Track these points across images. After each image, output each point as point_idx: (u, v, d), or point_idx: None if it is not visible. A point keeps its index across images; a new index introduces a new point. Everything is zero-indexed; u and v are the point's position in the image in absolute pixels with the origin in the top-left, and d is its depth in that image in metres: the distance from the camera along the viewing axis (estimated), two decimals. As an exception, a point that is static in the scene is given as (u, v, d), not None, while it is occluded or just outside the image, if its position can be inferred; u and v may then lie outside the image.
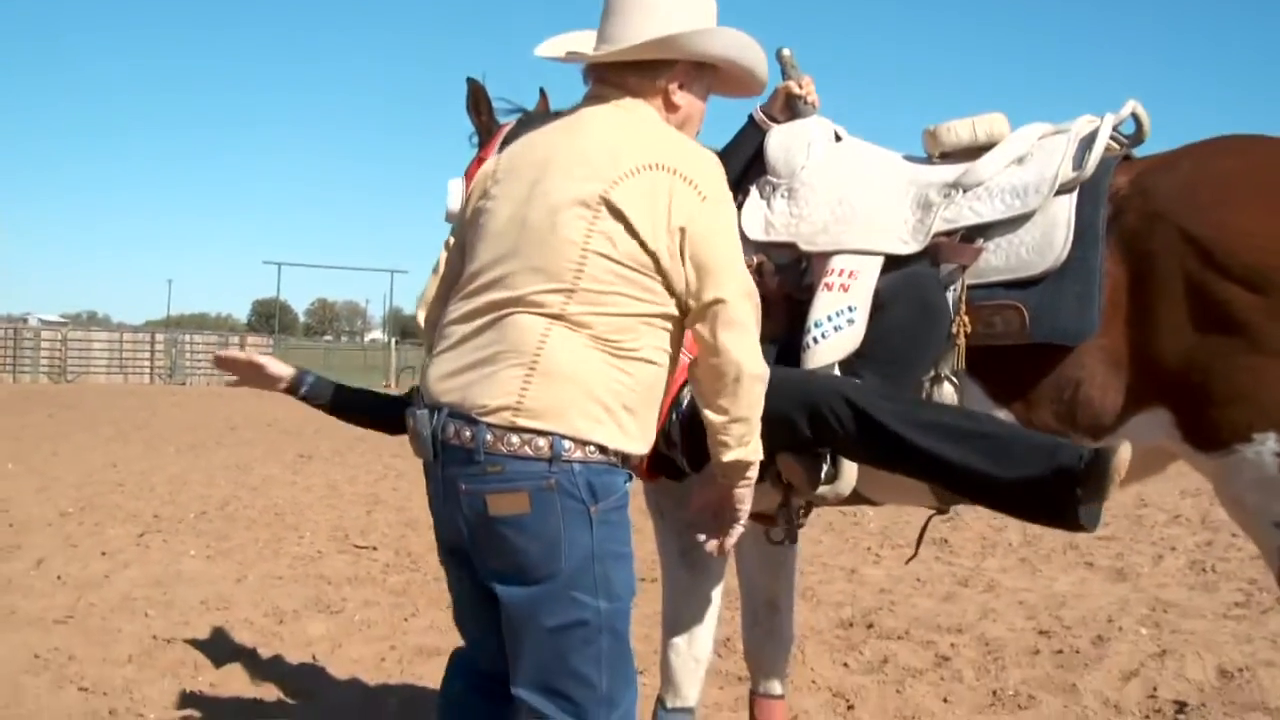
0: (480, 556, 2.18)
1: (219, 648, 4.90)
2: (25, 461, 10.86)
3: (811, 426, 2.45)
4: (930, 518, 3.01)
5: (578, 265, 2.11)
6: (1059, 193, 2.62)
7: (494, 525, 2.12)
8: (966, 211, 2.69)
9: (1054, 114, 2.91)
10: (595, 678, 2.18)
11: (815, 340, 2.62)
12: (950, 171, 2.78)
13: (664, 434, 2.63)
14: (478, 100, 3.39)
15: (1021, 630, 5.34)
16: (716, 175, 2.22)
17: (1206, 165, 2.56)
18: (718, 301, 2.14)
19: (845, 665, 4.79)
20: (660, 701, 3.04)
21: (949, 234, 2.68)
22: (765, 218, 2.91)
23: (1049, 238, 2.57)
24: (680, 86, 2.31)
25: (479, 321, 2.17)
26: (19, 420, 17.12)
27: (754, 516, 3.21)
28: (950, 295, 2.62)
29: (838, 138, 3.07)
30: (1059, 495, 2.34)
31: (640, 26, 2.26)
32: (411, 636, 5.14)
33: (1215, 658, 4.70)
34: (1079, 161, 2.65)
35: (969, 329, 2.59)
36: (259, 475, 10.61)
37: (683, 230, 2.12)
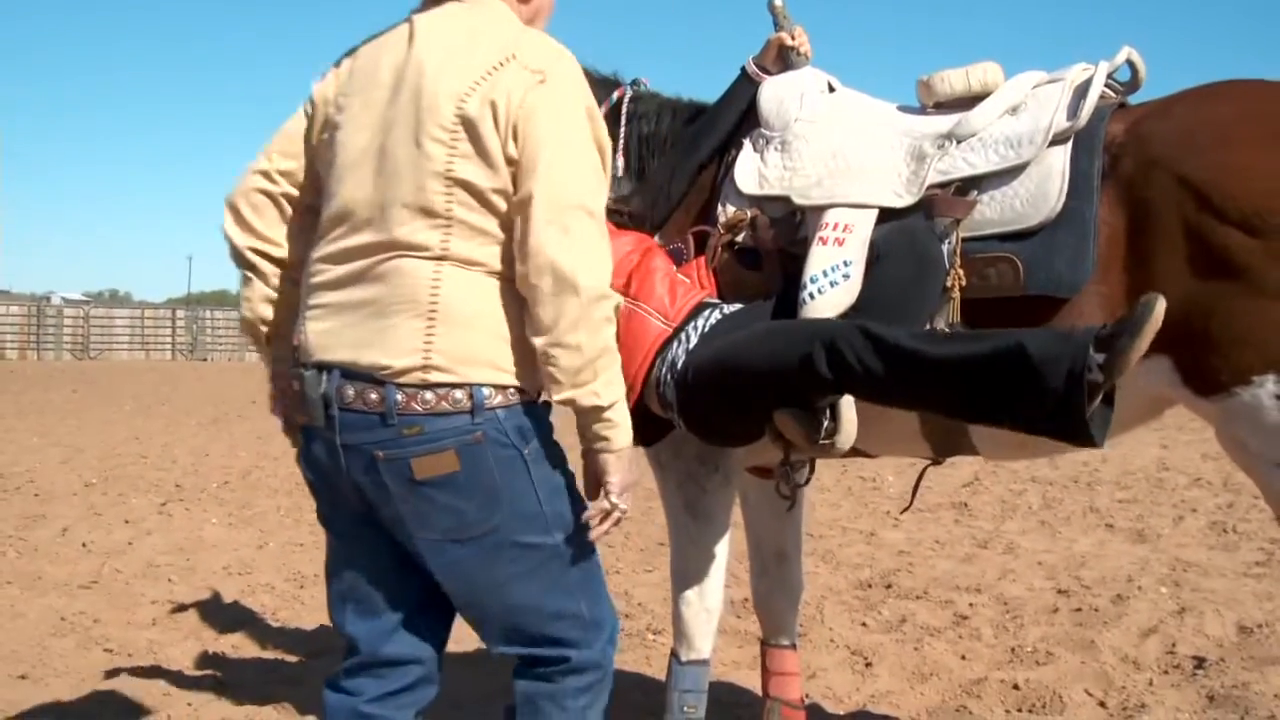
0: (409, 526, 2.02)
1: (240, 612, 4.97)
2: (50, 435, 10.98)
3: (830, 363, 2.32)
4: (925, 468, 3.00)
5: (447, 195, 1.95)
6: (1053, 143, 2.58)
7: (423, 490, 1.98)
8: (960, 163, 2.66)
9: (1049, 62, 2.88)
10: (574, 607, 2.10)
11: (811, 296, 2.60)
12: (944, 122, 2.75)
13: (659, 395, 2.62)
14: None
15: (1040, 590, 5.33)
16: (562, 65, 2.03)
17: (1202, 110, 2.53)
18: (533, 197, 1.92)
19: (864, 625, 4.79)
20: (674, 655, 3.05)
21: (943, 186, 2.65)
22: (759, 171, 2.88)
23: (1043, 189, 2.54)
24: None
25: (356, 269, 2.00)
26: (43, 396, 17.31)
27: (757, 470, 3.23)
28: (945, 248, 2.59)
29: (831, 89, 3.04)
30: (1074, 384, 2.13)
31: None
32: (431, 599, 5.17)
33: (1235, 614, 4.69)
34: (1073, 111, 2.61)
35: (963, 282, 2.57)
36: (280, 445, 10.49)
37: (519, 119, 1.94)
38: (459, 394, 1.95)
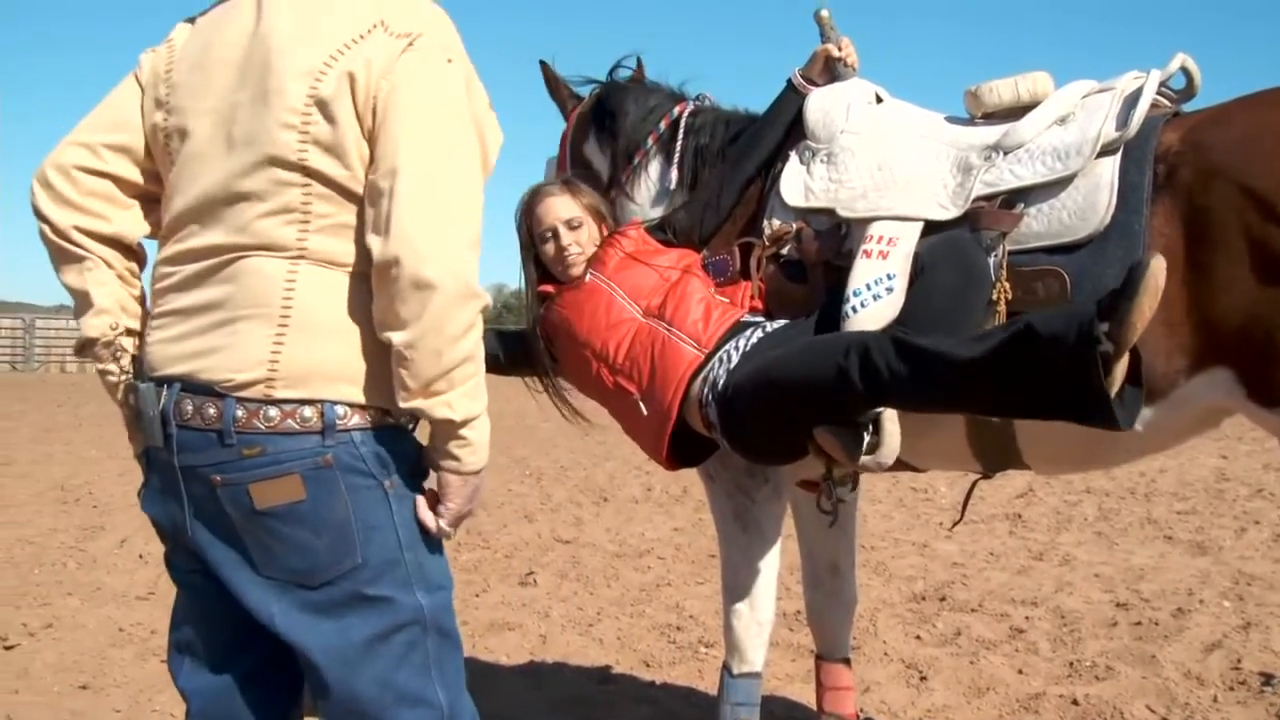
0: (254, 565, 1.73)
1: (295, 622, 4.99)
2: (108, 447, 11.13)
3: (861, 371, 2.28)
4: (975, 482, 2.96)
5: (303, 188, 1.69)
6: (1102, 154, 2.53)
7: (265, 521, 1.70)
8: (1007, 175, 2.61)
9: (1101, 71, 2.84)
10: (429, 691, 1.79)
11: (854, 310, 2.57)
12: (991, 133, 2.71)
13: (703, 415, 2.59)
14: (551, 81, 3.52)
15: (1098, 603, 5.23)
16: (436, 27, 1.75)
17: (1262, 117, 2.46)
18: (394, 178, 1.64)
19: (918, 638, 4.73)
20: (726, 668, 3.03)
21: (989, 198, 2.60)
22: (805, 183, 2.86)
23: (1091, 201, 2.48)
24: None
25: (202, 270, 1.73)
26: (103, 409, 17.59)
27: (806, 484, 3.20)
28: (991, 260, 2.55)
29: (879, 99, 3.01)
30: (1084, 352, 2.03)
31: None
32: (483, 612, 5.19)
33: (1302, 630, 4.57)
34: (1123, 120, 2.55)
35: (1009, 295, 2.52)
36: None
37: (380, 90, 1.68)
38: (308, 411, 1.68)
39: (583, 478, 9.71)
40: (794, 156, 2.93)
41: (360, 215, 1.71)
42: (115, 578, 5.70)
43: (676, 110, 3.23)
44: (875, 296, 2.58)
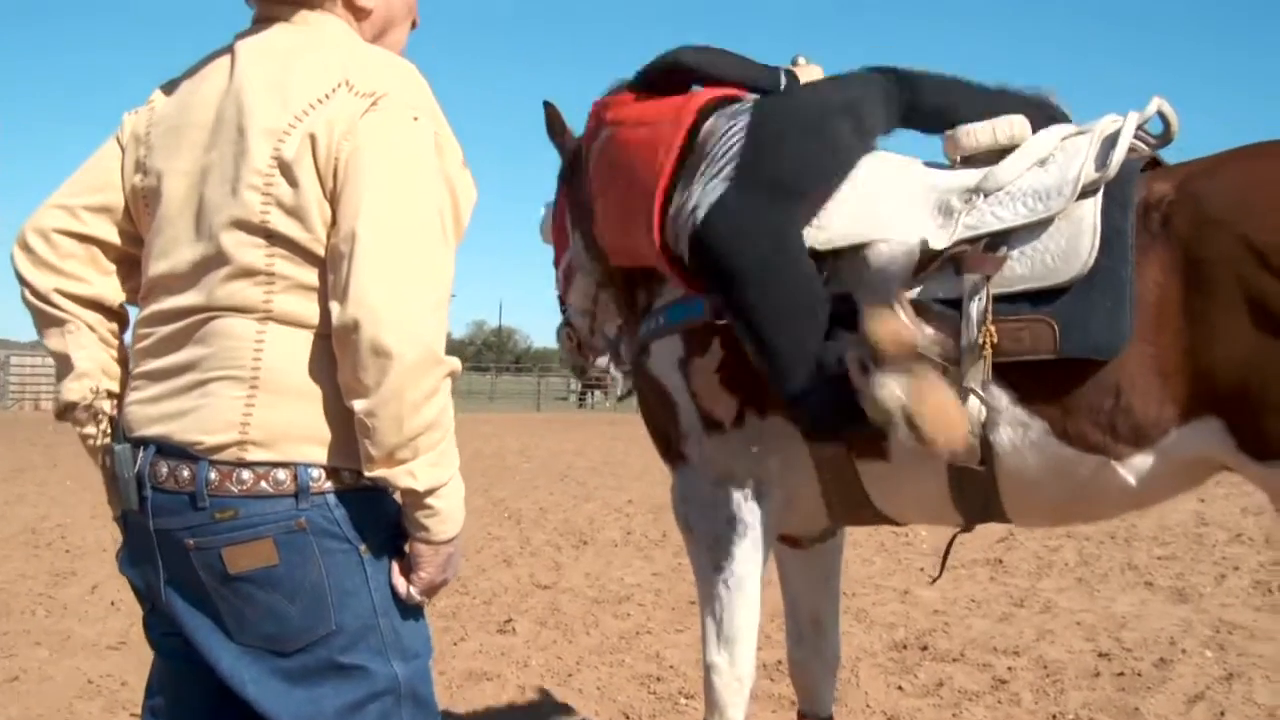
0: (227, 630, 1.70)
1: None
2: (82, 488, 11.00)
3: None
4: (955, 535, 2.94)
5: (266, 248, 1.67)
6: (1082, 195, 2.54)
7: (238, 586, 1.67)
8: (989, 217, 2.61)
9: (1079, 115, 2.88)
10: None
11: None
12: (971, 176, 2.71)
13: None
14: (553, 123, 3.50)
15: (1080, 652, 5.21)
16: (404, 84, 1.73)
17: (1258, 169, 2.48)
18: (354, 240, 1.61)
19: (900, 688, 4.69)
20: (708, 725, 2.98)
21: (971, 241, 2.61)
22: None
23: (1074, 244, 2.49)
24: None
25: (177, 332, 1.72)
26: (79, 448, 17.36)
27: (788, 540, 3.18)
28: (975, 305, 2.55)
29: None
30: None
31: None
32: (460, 661, 5.12)
33: (1284, 680, 4.55)
34: (1102, 162, 2.56)
35: (995, 341, 2.52)
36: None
37: (341, 151, 1.66)
38: (281, 474, 1.66)
39: (562, 520, 9.65)
40: None
41: (324, 278, 1.68)
42: (86, 626, 5.60)
43: None
44: None
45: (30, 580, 6.70)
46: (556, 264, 3.62)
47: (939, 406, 2.42)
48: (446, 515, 1.73)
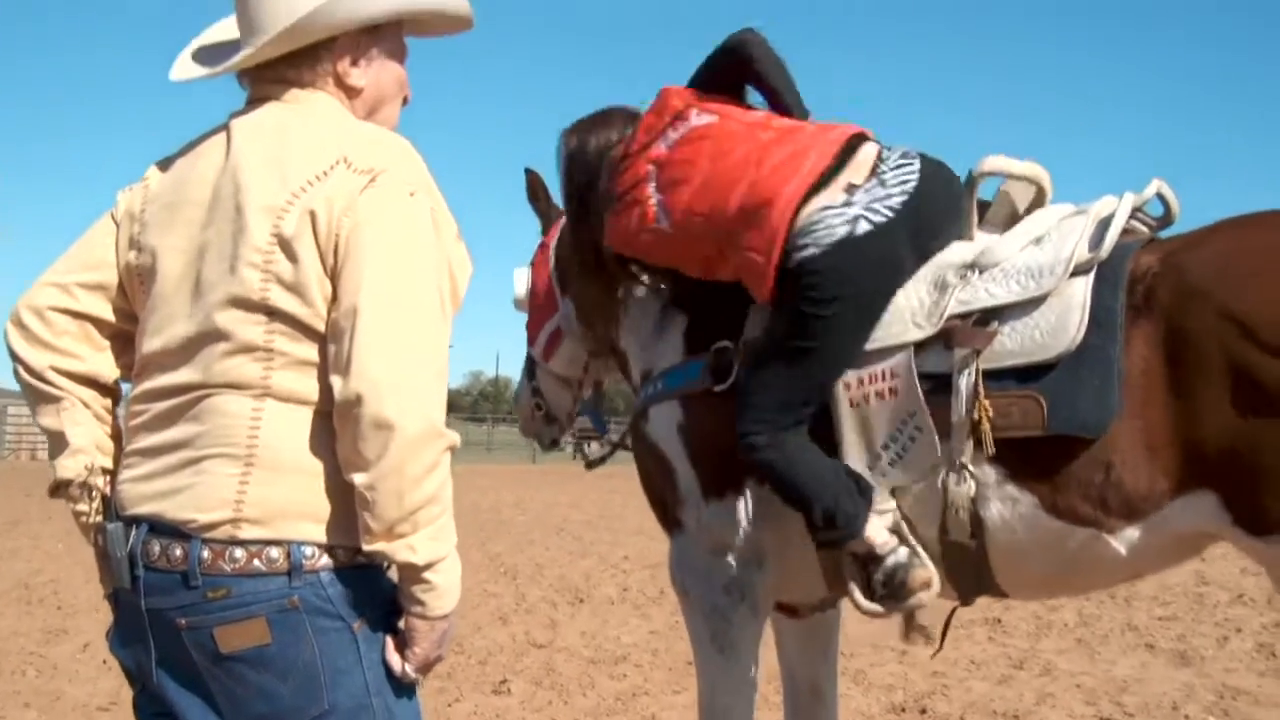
0: (215, 712, 1.71)
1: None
2: (77, 543, 10.93)
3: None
4: (954, 610, 2.92)
5: (265, 325, 1.68)
6: (1075, 274, 2.56)
7: (230, 666, 1.66)
8: (982, 293, 2.63)
9: (1081, 194, 2.94)
10: None
11: (891, 463, 2.62)
12: (968, 250, 2.73)
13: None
14: (535, 189, 3.54)
15: (1081, 717, 5.16)
16: (401, 161, 1.76)
17: (1240, 240, 2.50)
18: (355, 314, 1.63)
19: (899, 754, 4.64)
20: (703, 796, 2.94)
21: (964, 316, 2.62)
22: None
23: (1063, 321, 2.50)
24: (352, 63, 1.84)
25: (171, 408, 1.73)
26: (71, 500, 17.31)
27: (784, 609, 3.16)
28: (965, 380, 2.55)
29: None
30: None
31: (279, 5, 1.76)
32: (454, 723, 5.06)
33: (1288, 748, 4.50)
34: (1096, 242, 2.58)
35: (990, 413, 2.51)
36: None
37: (341, 228, 1.68)
38: (275, 552, 1.66)
39: (558, 576, 9.58)
40: None
41: (324, 353, 1.70)
42: (76, 687, 5.55)
43: None
44: (904, 447, 2.58)
45: (22, 638, 6.64)
46: (533, 327, 3.61)
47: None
48: (444, 590, 1.73)
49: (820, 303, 2.57)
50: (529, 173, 3.59)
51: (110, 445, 1.90)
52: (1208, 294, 2.38)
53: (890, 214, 2.61)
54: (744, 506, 2.85)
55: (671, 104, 2.88)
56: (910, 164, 2.71)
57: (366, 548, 1.68)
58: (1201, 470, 2.38)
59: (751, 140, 2.76)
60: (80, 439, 1.86)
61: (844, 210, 2.62)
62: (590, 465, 3.83)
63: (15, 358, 1.86)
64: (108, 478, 1.86)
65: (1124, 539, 2.47)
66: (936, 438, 2.55)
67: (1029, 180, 2.79)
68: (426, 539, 1.68)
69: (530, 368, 3.70)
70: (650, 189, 2.83)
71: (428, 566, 1.69)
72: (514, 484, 22.87)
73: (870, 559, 2.64)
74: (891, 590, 2.63)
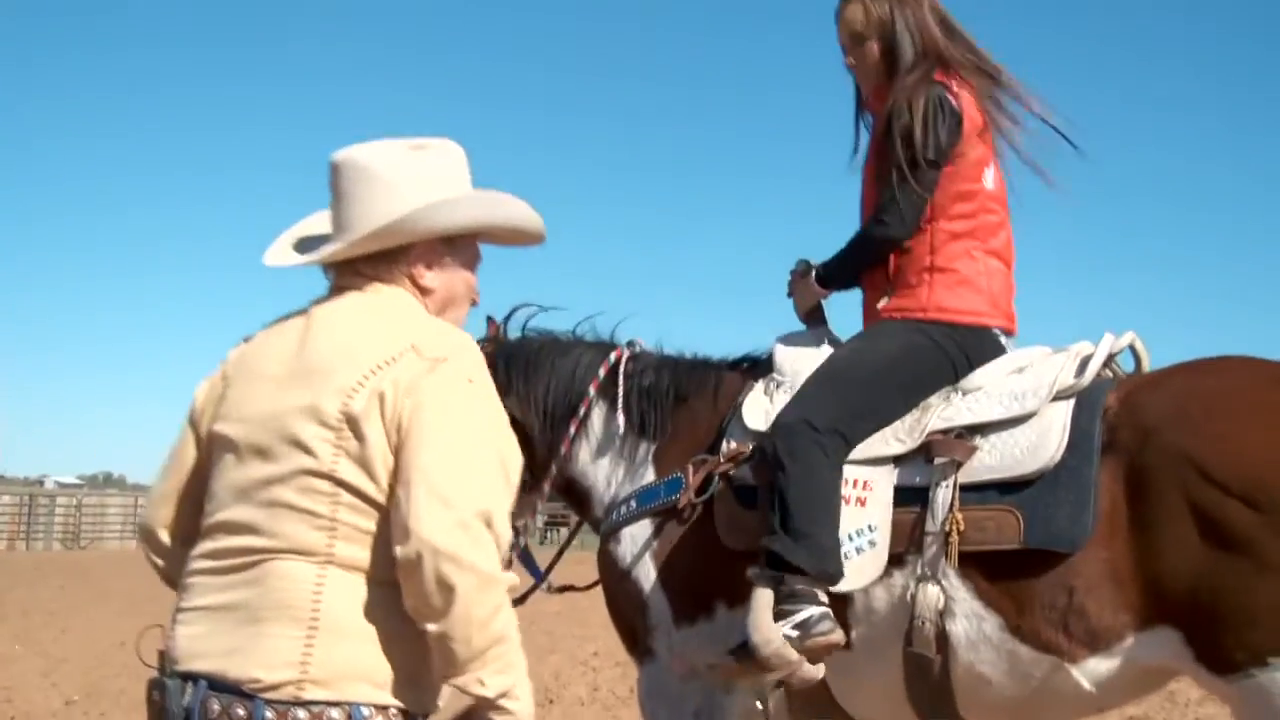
0: None
1: None
2: (33, 642, 10.70)
3: None
4: None
5: (331, 497, 1.83)
6: (1057, 399, 2.64)
7: None
8: (964, 412, 2.73)
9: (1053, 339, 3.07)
10: None
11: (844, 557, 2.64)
12: None
13: None
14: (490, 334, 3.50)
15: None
16: (462, 353, 1.93)
17: (1196, 382, 2.60)
18: (413, 481, 1.79)
19: None
20: None
21: (945, 431, 2.69)
22: (766, 410, 2.94)
23: (1043, 440, 2.59)
24: (427, 267, 2.03)
25: (234, 572, 1.86)
26: (29, 593, 16.95)
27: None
28: (942, 491, 2.60)
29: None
30: None
31: (369, 209, 1.97)
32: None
33: None
34: (1079, 371, 2.70)
35: (962, 528, 2.56)
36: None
37: (405, 407, 1.84)
38: (335, 713, 1.77)
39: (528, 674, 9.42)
40: (758, 386, 3.01)
41: (383, 524, 1.83)
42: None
43: (614, 356, 3.27)
44: (858, 549, 2.62)
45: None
46: None
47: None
48: (518, 714, 1.86)
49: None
50: (490, 321, 3.52)
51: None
52: (1166, 433, 2.46)
53: None
54: (715, 632, 2.85)
55: None
56: None
57: (444, 683, 1.87)
58: (1164, 607, 2.42)
59: None
60: None
61: None
62: (518, 602, 3.79)
63: (155, 568, 2.16)
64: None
65: (1086, 670, 2.50)
66: (887, 557, 2.62)
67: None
68: (494, 673, 1.82)
69: None
70: None
71: (498, 696, 1.83)
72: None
73: (800, 597, 2.62)
74: (804, 630, 2.58)
